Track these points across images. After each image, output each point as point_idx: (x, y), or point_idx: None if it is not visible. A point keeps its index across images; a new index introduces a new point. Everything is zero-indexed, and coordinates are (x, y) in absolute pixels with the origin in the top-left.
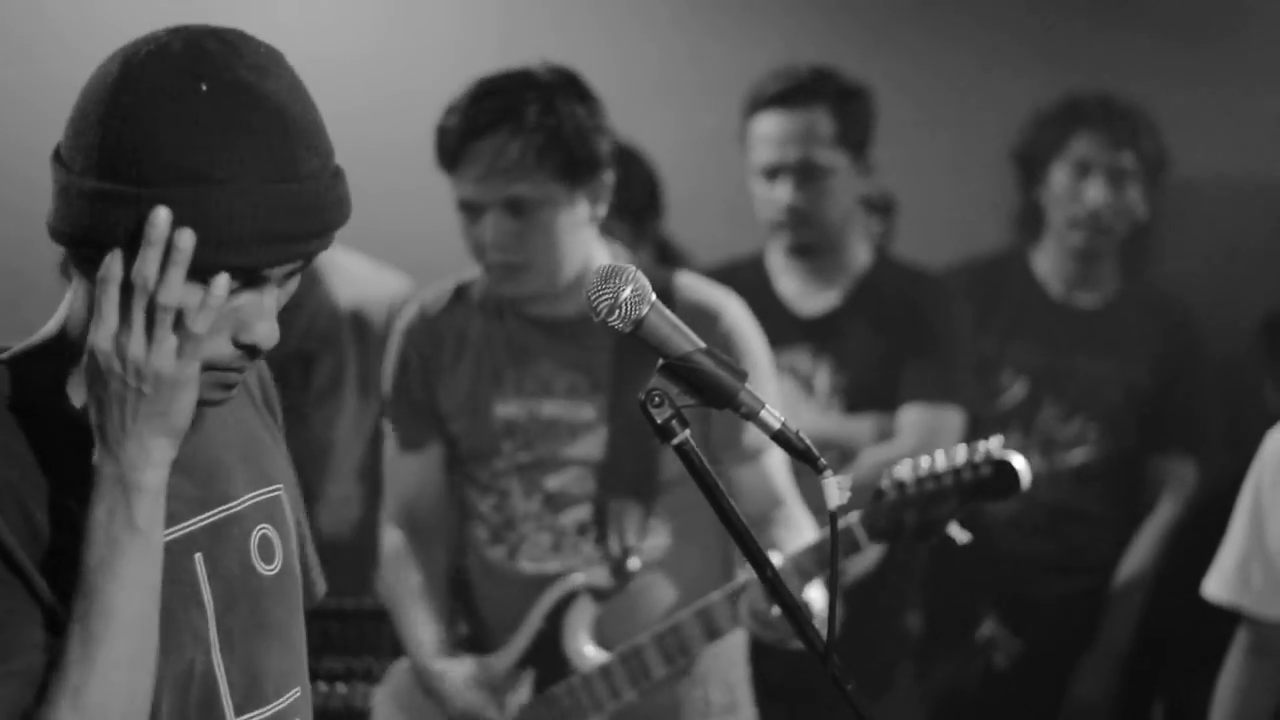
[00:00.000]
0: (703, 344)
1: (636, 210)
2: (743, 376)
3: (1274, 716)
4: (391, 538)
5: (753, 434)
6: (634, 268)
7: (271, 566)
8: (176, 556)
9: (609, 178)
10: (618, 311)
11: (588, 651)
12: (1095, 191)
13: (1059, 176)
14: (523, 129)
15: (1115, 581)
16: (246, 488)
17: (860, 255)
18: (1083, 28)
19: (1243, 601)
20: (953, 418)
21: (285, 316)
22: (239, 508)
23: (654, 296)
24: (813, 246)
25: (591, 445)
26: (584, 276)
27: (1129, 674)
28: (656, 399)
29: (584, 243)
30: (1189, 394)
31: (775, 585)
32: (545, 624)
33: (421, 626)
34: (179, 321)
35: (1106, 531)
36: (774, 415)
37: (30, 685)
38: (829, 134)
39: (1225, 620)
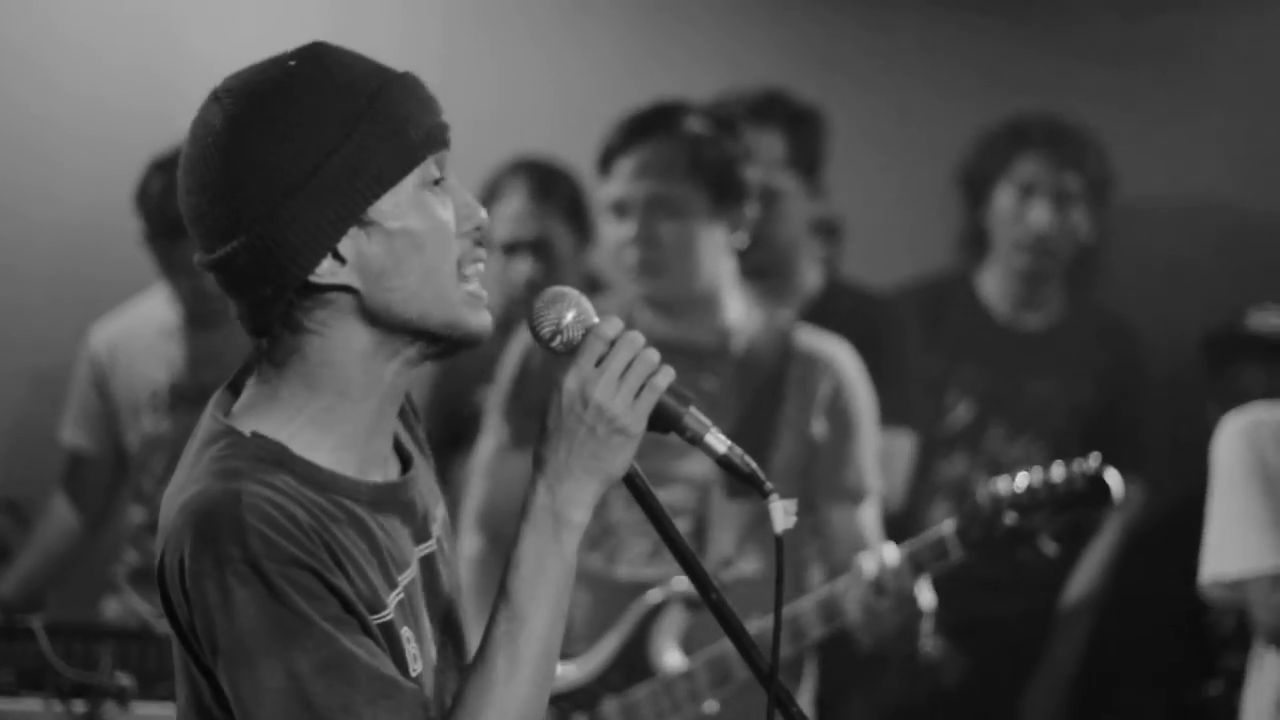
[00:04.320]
0: None
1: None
2: (687, 401)
3: None
4: (472, 543)
5: (853, 478)
6: (578, 293)
7: (454, 584)
8: (411, 597)
9: (750, 212)
10: (559, 336)
11: (672, 660)
12: (1039, 213)
13: (1003, 198)
14: (679, 140)
15: (1062, 602)
16: (435, 506)
17: (810, 278)
18: (1028, 52)
19: None
20: (904, 441)
21: (226, 338)
22: (438, 529)
23: (595, 321)
24: (764, 269)
25: (702, 464)
26: (714, 295)
27: (1077, 695)
28: None
29: (717, 263)
30: (1134, 414)
31: (721, 610)
32: (635, 631)
33: None
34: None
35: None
36: (720, 439)
37: (424, 705)
38: (780, 156)
39: (1172, 640)
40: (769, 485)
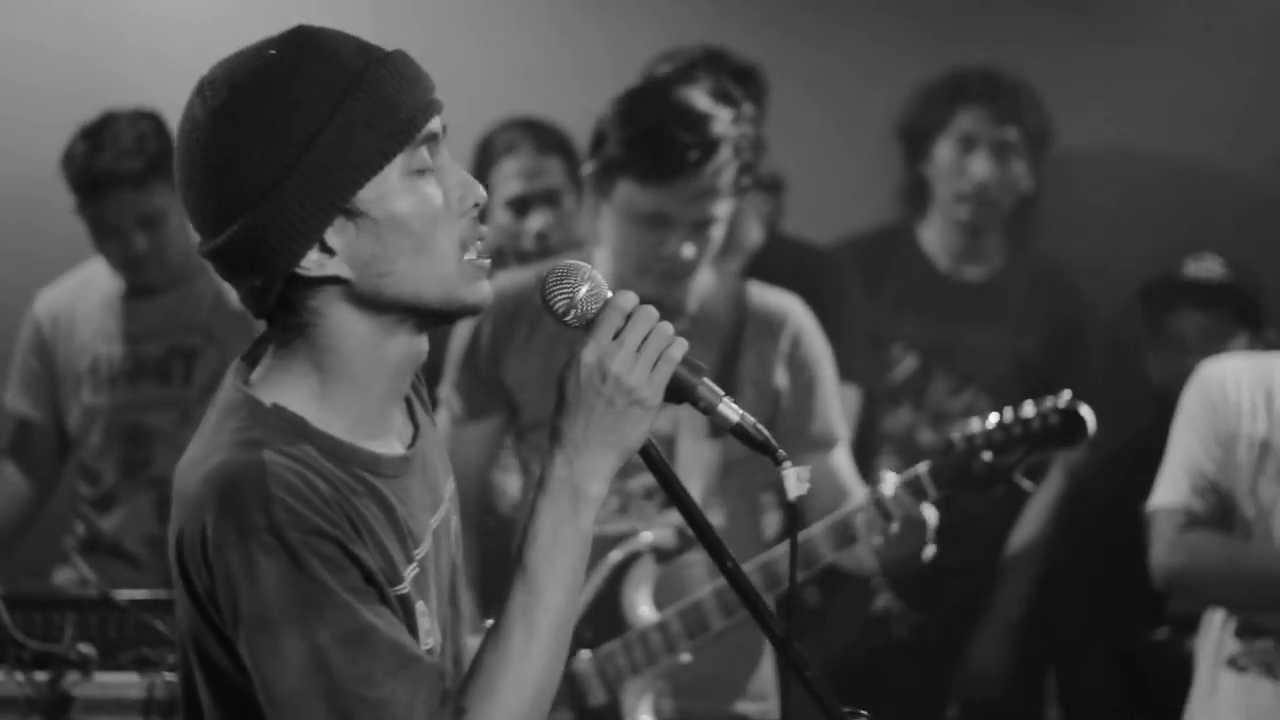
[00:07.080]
0: None
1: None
2: (701, 371)
3: None
4: None
5: (820, 426)
6: (590, 266)
7: (457, 553)
8: (425, 571)
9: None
10: (574, 310)
11: (645, 612)
12: (980, 165)
13: (944, 151)
14: (735, 154)
15: (1006, 552)
16: (445, 478)
17: (752, 233)
18: (966, 4)
19: None
20: (849, 394)
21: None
22: (447, 502)
23: (609, 294)
24: None
25: (664, 421)
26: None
27: (1024, 641)
28: None
29: None
30: (1075, 363)
31: (736, 579)
32: (606, 584)
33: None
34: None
35: (998, 501)
36: (732, 408)
37: (440, 676)
38: None
39: (1117, 586)
40: (782, 453)
